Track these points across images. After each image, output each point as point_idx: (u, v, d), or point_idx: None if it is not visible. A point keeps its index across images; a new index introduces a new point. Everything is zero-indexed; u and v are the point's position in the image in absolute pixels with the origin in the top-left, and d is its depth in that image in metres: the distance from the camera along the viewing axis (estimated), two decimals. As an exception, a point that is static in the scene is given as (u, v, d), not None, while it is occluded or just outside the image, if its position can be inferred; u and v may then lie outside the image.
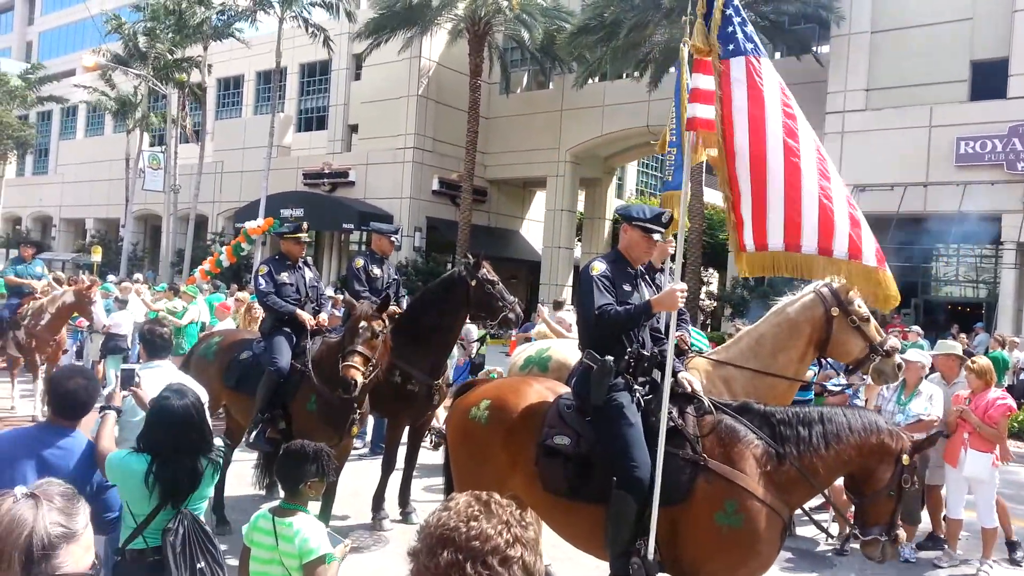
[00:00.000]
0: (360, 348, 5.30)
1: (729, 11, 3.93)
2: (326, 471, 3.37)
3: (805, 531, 7.21)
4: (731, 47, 3.95)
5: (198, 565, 3.15)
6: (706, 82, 4.02)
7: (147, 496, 3.18)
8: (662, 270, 5.43)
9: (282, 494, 6.77)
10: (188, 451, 3.24)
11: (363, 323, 5.35)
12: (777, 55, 22.82)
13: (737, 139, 3.98)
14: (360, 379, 5.27)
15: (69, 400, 3.35)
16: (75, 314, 10.37)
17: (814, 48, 22.90)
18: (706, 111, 4.02)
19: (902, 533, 3.81)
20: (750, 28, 4.01)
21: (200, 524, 3.24)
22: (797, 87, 21.39)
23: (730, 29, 3.95)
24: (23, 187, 45.67)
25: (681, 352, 5.43)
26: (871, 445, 3.71)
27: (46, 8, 56.04)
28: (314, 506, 3.82)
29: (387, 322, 5.59)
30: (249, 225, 15.52)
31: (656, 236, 4.14)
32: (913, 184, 18.36)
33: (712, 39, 3.94)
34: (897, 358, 5.41)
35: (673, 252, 5.11)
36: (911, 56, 19.19)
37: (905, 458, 3.68)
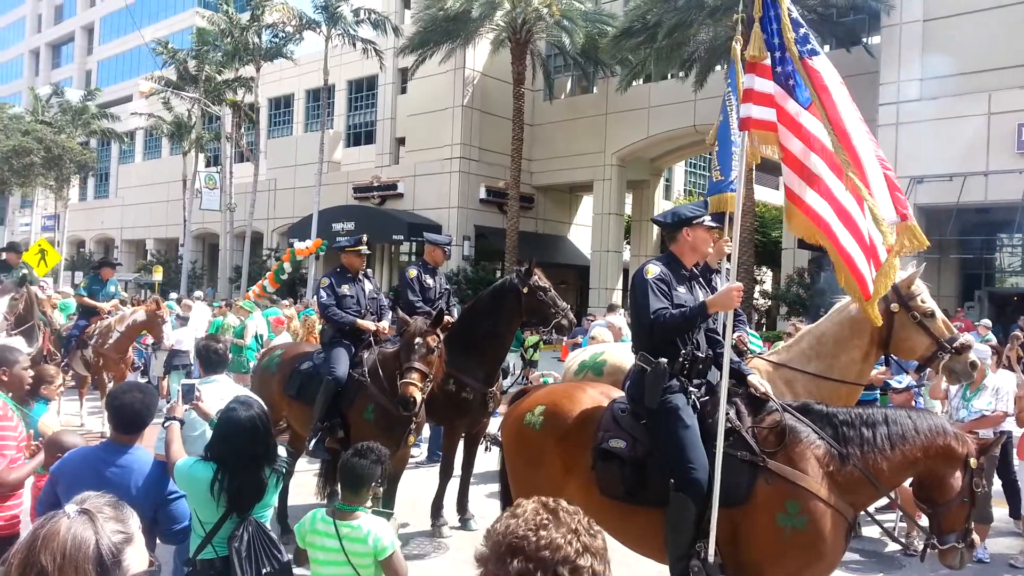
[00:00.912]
0: (417, 365, 5.36)
1: (795, 13, 3.92)
2: (386, 476, 3.43)
3: (872, 531, 7.04)
4: (809, 47, 3.94)
5: (264, 571, 3.20)
6: (762, 84, 3.96)
7: (213, 504, 3.25)
8: (718, 271, 5.36)
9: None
10: (253, 461, 3.30)
11: (418, 339, 5.40)
12: (826, 48, 22.39)
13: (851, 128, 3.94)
14: (419, 396, 5.36)
15: (126, 415, 3.41)
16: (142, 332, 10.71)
17: (864, 39, 22.41)
18: (762, 112, 3.96)
19: (976, 537, 3.71)
20: (804, 28, 4.00)
21: (265, 530, 3.29)
22: (848, 79, 20.84)
23: (802, 31, 3.95)
24: (86, 211, 47.37)
25: (740, 354, 5.34)
26: (937, 447, 3.61)
27: (104, 38, 58.08)
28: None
29: (440, 336, 5.63)
30: (298, 246, 15.87)
31: (709, 222, 4.14)
32: (973, 173, 17.80)
33: (760, 45, 3.91)
34: (972, 355, 5.09)
35: (729, 252, 5.06)
36: (966, 43, 18.62)
37: (973, 462, 3.59)
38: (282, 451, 3.58)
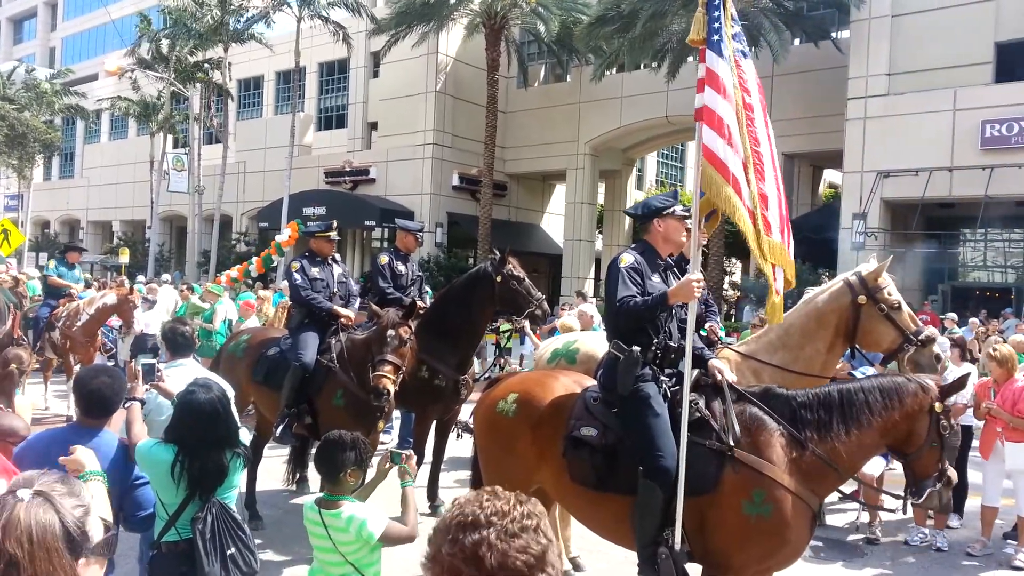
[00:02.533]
0: (390, 357, 5.35)
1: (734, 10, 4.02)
2: (364, 459, 3.42)
3: (835, 520, 7.21)
4: (740, 47, 4.04)
5: (228, 551, 3.21)
6: (701, 70, 4.04)
7: (174, 487, 3.25)
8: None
9: (313, 488, 6.91)
10: (213, 444, 3.29)
11: (391, 332, 5.39)
12: (796, 42, 22.61)
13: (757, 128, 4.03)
14: (392, 388, 5.37)
15: (95, 399, 3.39)
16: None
17: (833, 34, 22.66)
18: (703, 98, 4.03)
19: (952, 474, 3.80)
20: (739, 28, 4.12)
21: (229, 512, 3.29)
22: (816, 74, 21.19)
23: (737, 29, 4.03)
24: (51, 191, 46.35)
25: (711, 343, 5.41)
26: (897, 416, 3.69)
27: (68, 14, 56.71)
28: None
29: (411, 328, 5.64)
30: (280, 238, 15.93)
31: (681, 212, 4.20)
32: (938, 169, 18.13)
33: (702, 28, 3.99)
34: (936, 348, 5.19)
35: (704, 242, 5.11)
36: (933, 39, 18.92)
37: (938, 406, 3.69)
38: (246, 433, 3.57)
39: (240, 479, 3.52)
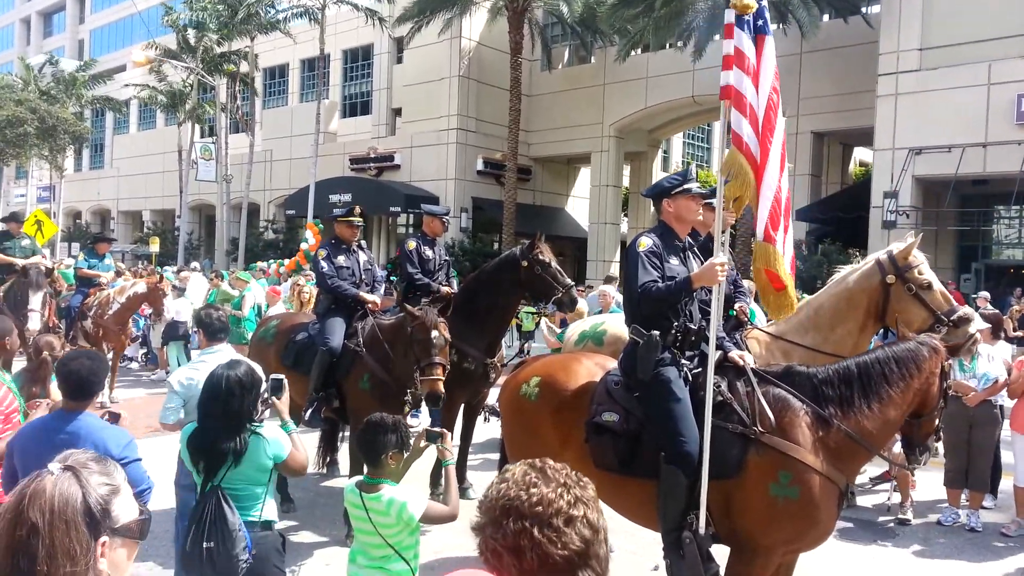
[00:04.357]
0: (438, 360, 5.29)
1: None
2: (405, 442, 3.42)
3: (865, 500, 7.14)
4: (760, 23, 3.95)
5: (205, 544, 3.21)
6: (727, 46, 3.97)
7: (187, 459, 3.38)
8: (723, 243, 5.35)
9: (343, 470, 6.98)
10: (219, 418, 3.32)
11: (435, 333, 5.29)
12: (825, 18, 22.20)
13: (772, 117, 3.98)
14: (443, 389, 5.34)
15: (73, 381, 3.39)
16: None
17: (864, 9, 22.21)
18: (729, 76, 3.97)
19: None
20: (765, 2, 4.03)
21: (224, 504, 3.27)
22: (846, 50, 20.76)
23: (763, 3, 3.96)
24: (82, 182, 47.09)
25: (740, 325, 5.36)
26: (917, 384, 3.67)
27: (96, 6, 57.30)
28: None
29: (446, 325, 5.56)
30: (306, 246, 16.38)
31: (697, 189, 4.15)
32: (972, 145, 17.74)
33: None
34: (972, 328, 4.98)
35: (732, 223, 5.04)
36: (966, 12, 18.45)
37: (946, 365, 3.69)
38: (276, 433, 3.48)
39: (259, 473, 3.43)
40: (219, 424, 3.33)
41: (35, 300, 9.34)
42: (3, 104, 36.12)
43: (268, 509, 3.47)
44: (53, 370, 4.82)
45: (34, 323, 9.22)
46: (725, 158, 3.93)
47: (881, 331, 5.61)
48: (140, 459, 3.39)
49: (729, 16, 3.96)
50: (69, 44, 59.33)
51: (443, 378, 5.30)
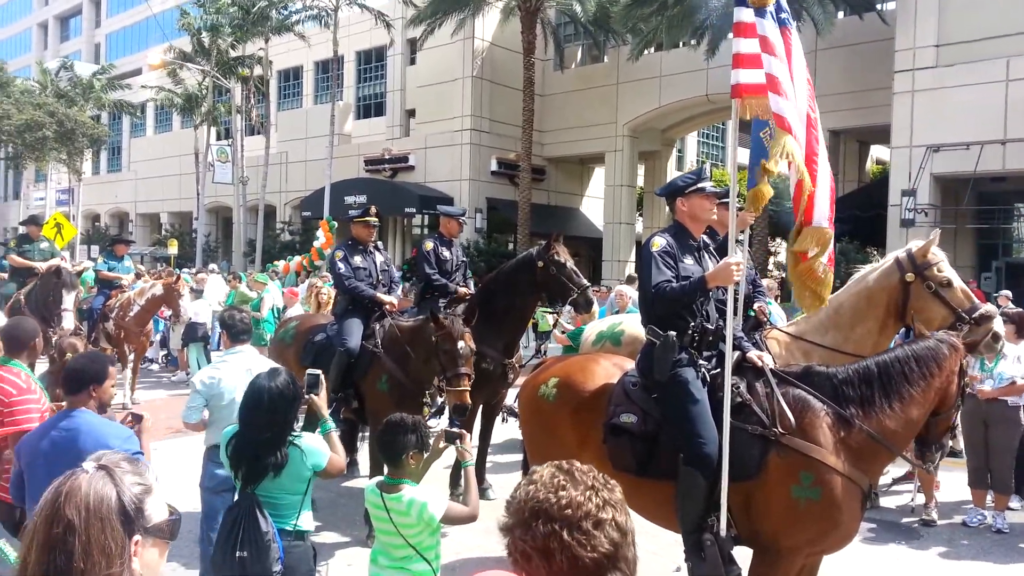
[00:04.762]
0: (465, 370, 5.27)
1: None
2: (425, 442, 3.43)
3: (889, 502, 7.09)
4: (783, 16, 3.93)
5: (238, 553, 3.19)
6: (748, 45, 3.95)
7: (226, 463, 3.37)
8: (740, 242, 5.34)
9: (363, 471, 7.00)
10: (261, 429, 3.30)
11: (462, 344, 5.26)
12: (840, 14, 22.05)
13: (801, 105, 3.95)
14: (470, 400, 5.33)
15: (67, 376, 3.43)
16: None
17: (879, 6, 22.05)
18: (750, 76, 3.95)
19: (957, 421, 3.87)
20: None
21: (258, 513, 3.25)
22: (861, 47, 20.58)
23: None
24: (100, 185, 47.48)
25: (759, 325, 5.33)
26: (938, 383, 3.64)
27: (111, 10, 57.79)
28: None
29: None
30: (319, 244, 16.49)
31: (711, 188, 4.12)
32: (990, 142, 17.55)
33: None
34: (995, 325, 4.97)
35: (750, 223, 5.02)
36: (983, 7, 18.26)
37: (965, 363, 3.67)
38: (318, 442, 3.45)
39: (298, 482, 3.40)
40: (261, 435, 3.31)
41: (68, 300, 9.46)
42: (22, 108, 36.52)
43: (304, 519, 3.46)
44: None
45: (68, 322, 9.32)
46: (775, 143, 3.86)
47: (903, 330, 5.56)
48: (141, 454, 3.38)
49: (742, 14, 3.94)
50: (85, 48, 59.87)
51: (469, 388, 5.29)
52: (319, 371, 3.74)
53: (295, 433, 3.40)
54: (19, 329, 4.23)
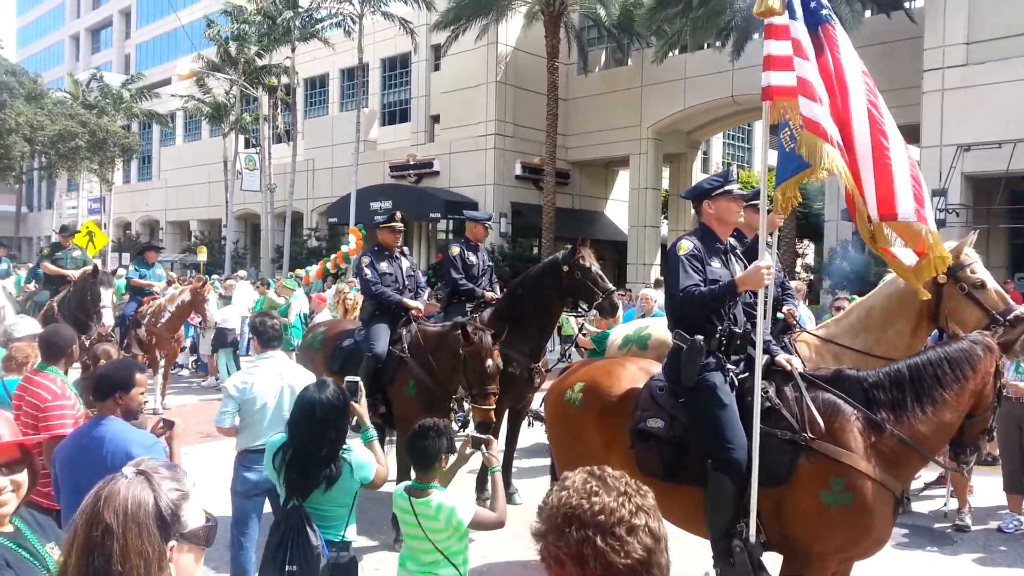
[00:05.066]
0: (493, 389, 5.25)
1: None
2: (452, 445, 3.44)
3: (921, 506, 6.99)
4: (825, 12, 3.88)
5: (287, 568, 3.18)
6: (779, 47, 3.90)
7: (276, 476, 3.32)
8: (768, 244, 5.30)
9: (391, 475, 7.01)
10: (313, 442, 3.26)
11: (490, 362, 5.22)
12: (867, 14, 21.81)
13: (853, 105, 3.87)
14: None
15: (95, 382, 3.47)
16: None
17: (907, 3, 21.77)
18: (781, 78, 3.91)
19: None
20: None
21: (307, 527, 3.24)
22: (888, 46, 20.28)
23: None
24: (131, 193, 48.27)
25: (788, 328, 5.29)
26: (972, 386, 3.58)
27: (140, 22, 58.79)
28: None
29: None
30: (346, 248, 16.63)
31: (738, 191, 4.07)
32: (1023, 140, 17.26)
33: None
34: None
35: (778, 225, 4.97)
36: (1014, 3, 17.96)
37: (1000, 364, 3.62)
38: (365, 454, 3.43)
39: (344, 495, 3.37)
40: (314, 449, 3.27)
41: (106, 296, 9.65)
42: (55, 119, 37.24)
43: (350, 529, 3.46)
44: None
45: (107, 318, 9.51)
46: (810, 151, 3.78)
47: (936, 332, 5.48)
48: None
49: (775, 17, 3.91)
50: (116, 59, 60.96)
51: (494, 407, 5.27)
52: (358, 378, 3.73)
53: (345, 446, 3.38)
54: (57, 336, 4.32)
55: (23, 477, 2.05)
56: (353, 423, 3.62)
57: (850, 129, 3.88)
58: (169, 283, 13.30)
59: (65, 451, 3.36)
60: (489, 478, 3.41)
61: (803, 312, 6.02)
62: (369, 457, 3.43)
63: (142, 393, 3.52)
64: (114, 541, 1.49)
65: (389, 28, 29.28)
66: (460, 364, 5.38)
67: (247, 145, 37.54)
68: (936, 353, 3.72)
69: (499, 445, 6.91)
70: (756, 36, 21.13)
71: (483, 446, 3.46)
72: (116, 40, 62.21)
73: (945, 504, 6.82)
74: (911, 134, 21.79)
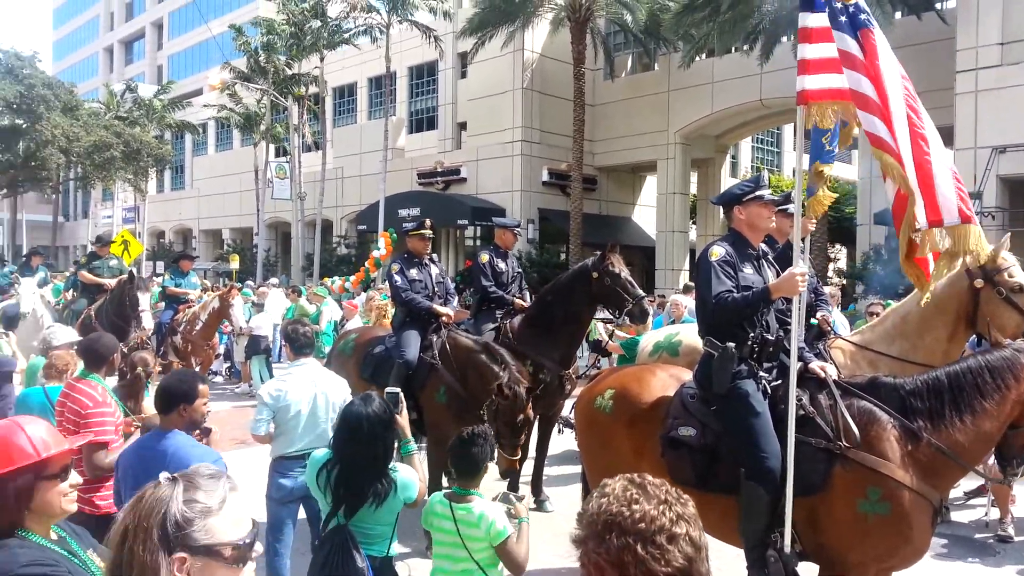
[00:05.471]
0: (521, 440, 5.11)
1: None
2: (493, 451, 3.44)
3: (961, 516, 6.85)
4: (863, 17, 3.84)
5: None
6: (813, 51, 3.87)
7: (321, 494, 3.26)
8: (801, 250, 5.25)
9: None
10: (362, 459, 3.18)
11: (521, 416, 5.08)
12: (898, 15, 21.53)
13: (894, 109, 3.82)
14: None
15: (159, 395, 3.50)
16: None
17: (938, 5, 21.46)
18: (817, 81, 3.87)
19: None
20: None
21: (351, 547, 3.16)
22: (920, 47, 20.05)
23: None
24: (164, 203, 49.06)
25: (823, 334, 5.23)
26: (1014, 395, 3.49)
27: (172, 33, 59.80)
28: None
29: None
30: (377, 253, 16.79)
31: (769, 196, 4.03)
32: (1060, 141, 16.93)
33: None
34: None
35: (811, 230, 4.92)
36: (1052, 2, 17.65)
37: None
38: (409, 474, 3.33)
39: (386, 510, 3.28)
40: (361, 463, 3.18)
41: (144, 300, 9.90)
42: (91, 130, 38.00)
43: (394, 545, 3.42)
44: (145, 386, 5.06)
45: (147, 322, 9.75)
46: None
47: (973, 338, 5.39)
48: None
49: (807, 20, 3.88)
50: (149, 70, 62.05)
51: (520, 456, 5.17)
52: (398, 389, 3.70)
53: (391, 466, 3.30)
54: (99, 344, 4.40)
55: (77, 479, 2.12)
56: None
57: (894, 136, 3.83)
58: (204, 291, 13.49)
59: (127, 459, 3.42)
60: (519, 527, 3.32)
61: (837, 318, 5.94)
62: (412, 476, 3.34)
63: (205, 403, 3.57)
64: (126, 544, 1.52)
65: (416, 36, 29.50)
66: (492, 413, 5.28)
67: (278, 154, 38.00)
68: (977, 361, 3.65)
69: (530, 452, 6.94)
70: (785, 39, 20.95)
71: (511, 501, 3.38)
72: (149, 51, 63.32)
73: (986, 513, 6.68)
74: (944, 136, 21.33)
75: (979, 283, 4.88)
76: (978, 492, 7.08)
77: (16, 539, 1.96)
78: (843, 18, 3.81)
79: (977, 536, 6.43)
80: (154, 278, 17.18)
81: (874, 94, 3.75)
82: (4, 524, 1.96)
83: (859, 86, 3.77)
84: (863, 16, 3.86)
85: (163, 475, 1.60)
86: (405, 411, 3.57)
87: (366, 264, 17.03)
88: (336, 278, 18.25)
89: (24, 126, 37.81)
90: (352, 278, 17.10)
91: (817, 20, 3.87)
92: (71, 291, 11.94)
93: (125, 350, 8.46)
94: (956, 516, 6.72)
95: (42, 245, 46.08)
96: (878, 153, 3.71)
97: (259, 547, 1.64)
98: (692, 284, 13.23)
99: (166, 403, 3.44)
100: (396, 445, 3.41)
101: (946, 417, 3.55)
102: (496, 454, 4.77)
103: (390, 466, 3.27)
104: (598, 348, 8.01)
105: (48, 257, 35.62)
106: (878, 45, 3.84)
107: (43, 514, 2.03)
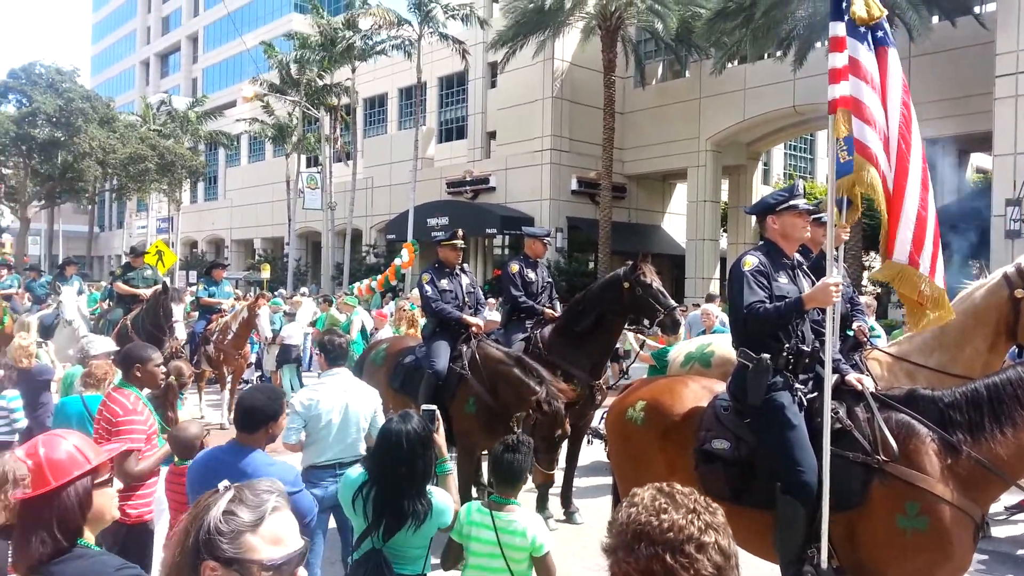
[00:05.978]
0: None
1: None
2: (532, 463, 3.43)
3: (1001, 532, 6.68)
4: (880, 34, 3.80)
5: None
6: (843, 60, 3.83)
7: (355, 514, 3.20)
8: (836, 259, 5.18)
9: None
10: (402, 478, 3.11)
11: (559, 431, 5.06)
12: (934, 19, 21.21)
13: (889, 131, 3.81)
14: None
15: (243, 413, 3.53)
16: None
17: (976, 9, 21.10)
18: (846, 89, 3.83)
19: None
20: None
21: (384, 571, 3.09)
22: (957, 52, 19.69)
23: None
24: (197, 213, 49.88)
25: (859, 345, 5.14)
26: None
27: (207, 46, 60.88)
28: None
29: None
30: (400, 261, 16.89)
31: (804, 206, 3.98)
32: (1104, 146, 16.53)
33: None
34: None
35: (844, 239, 4.85)
36: (1095, 4, 17.27)
37: None
38: (445, 499, 3.25)
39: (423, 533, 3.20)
40: (401, 483, 3.11)
41: (177, 311, 10.07)
42: (127, 142, 38.75)
43: (428, 563, 3.36)
44: (179, 396, 5.13)
45: (180, 332, 9.94)
46: (855, 169, 3.75)
47: (1014, 349, 5.26)
48: (301, 489, 3.52)
49: (837, 28, 3.84)
50: (184, 83, 63.20)
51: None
52: (434, 406, 3.58)
53: (427, 489, 3.22)
54: (136, 354, 4.46)
55: (119, 484, 2.16)
56: None
57: (888, 155, 3.82)
58: (237, 300, 13.66)
59: (197, 471, 3.46)
60: (543, 555, 3.27)
61: (876, 328, 5.84)
62: (448, 501, 3.26)
63: (285, 417, 3.67)
64: (174, 547, 1.58)
65: (446, 47, 29.72)
66: (527, 425, 5.26)
67: (309, 165, 38.42)
68: (1017, 372, 3.56)
69: (560, 463, 6.89)
70: (819, 44, 20.74)
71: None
72: (184, 64, 64.50)
73: (1027, 528, 6.52)
74: (982, 142, 21.08)
75: (1020, 293, 4.79)
76: (1020, 507, 6.90)
77: (79, 548, 1.98)
78: (863, 28, 3.78)
79: (1019, 552, 6.27)
80: (188, 287, 17.42)
81: (877, 108, 3.72)
82: (69, 532, 1.97)
83: (859, 94, 3.75)
84: (880, 34, 3.83)
85: (222, 483, 1.62)
86: (442, 428, 3.48)
87: (386, 273, 17.12)
88: (363, 280, 18.37)
89: (63, 139, 38.68)
90: (378, 278, 17.19)
91: (846, 30, 3.84)
92: (107, 301, 12.16)
93: (176, 345, 8.69)
94: (996, 531, 6.55)
95: (77, 255, 47.06)
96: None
97: (302, 572, 1.60)
98: (715, 293, 13.11)
99: (254, 422, 3.46)
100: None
101: (986, 429, 3.47)
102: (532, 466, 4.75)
103: (428, 492, 3.19)
104: (615, 357, 7.95)
105: (83, 267, 36.30)
106: (890, 65, 3.82)
107: (97, 521, 2.05)
